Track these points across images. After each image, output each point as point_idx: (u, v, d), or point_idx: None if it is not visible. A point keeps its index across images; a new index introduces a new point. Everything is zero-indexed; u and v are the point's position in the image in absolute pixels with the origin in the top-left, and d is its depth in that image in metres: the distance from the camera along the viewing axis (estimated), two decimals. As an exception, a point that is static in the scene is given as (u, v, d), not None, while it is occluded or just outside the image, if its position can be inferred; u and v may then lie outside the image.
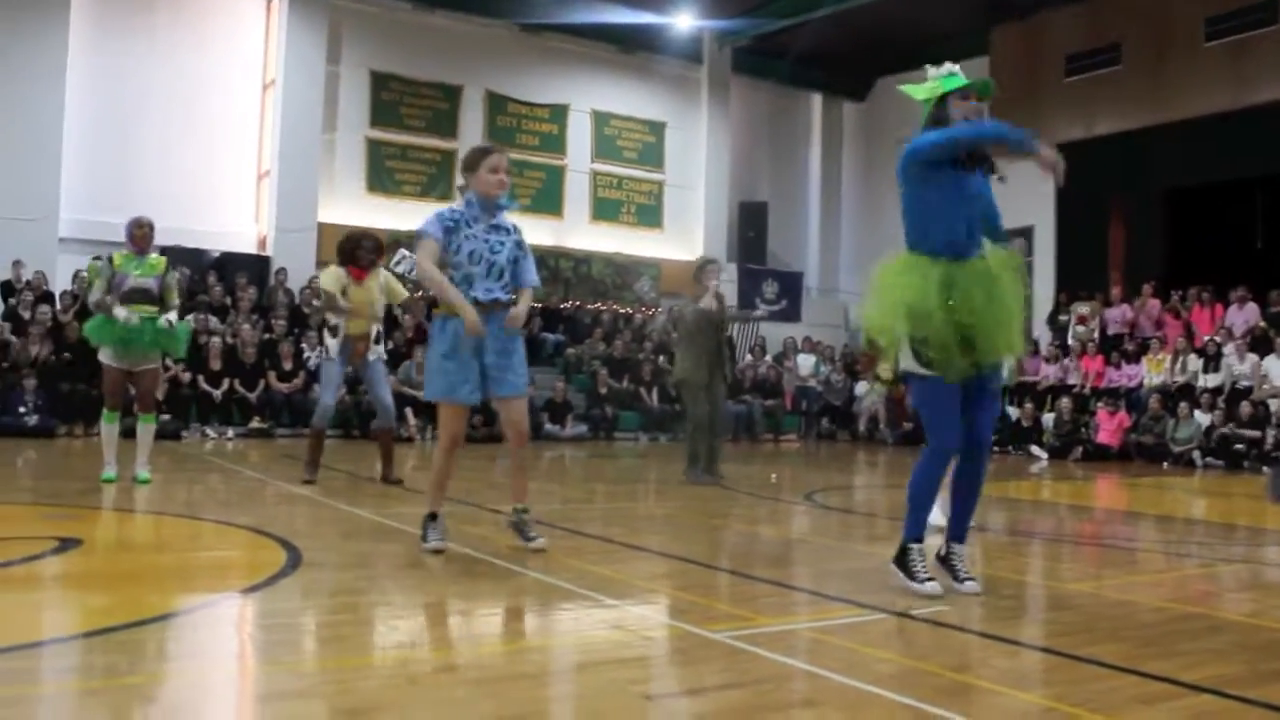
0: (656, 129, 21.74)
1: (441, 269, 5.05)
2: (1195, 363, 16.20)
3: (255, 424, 14.37)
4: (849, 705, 2.93)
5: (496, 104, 19.96)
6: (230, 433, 14.10)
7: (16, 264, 15.10)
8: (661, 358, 18.15)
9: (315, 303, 8.75)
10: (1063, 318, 18.89)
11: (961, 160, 4.39)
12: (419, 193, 19.07)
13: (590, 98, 20.95)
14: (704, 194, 21.96)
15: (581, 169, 20.85)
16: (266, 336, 15.49)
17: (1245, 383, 15.43)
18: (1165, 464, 14.89)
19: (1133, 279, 19.00)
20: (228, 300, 16.23)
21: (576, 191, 20.79)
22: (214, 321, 15.49)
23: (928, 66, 4.56)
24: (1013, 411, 16.83)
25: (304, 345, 15.28)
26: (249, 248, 17.88)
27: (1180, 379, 16.19)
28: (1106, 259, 19.90)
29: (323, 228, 17.78)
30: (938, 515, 5.10)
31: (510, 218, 5.31)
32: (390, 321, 8.41)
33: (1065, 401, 16.37)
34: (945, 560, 4.53)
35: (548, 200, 20.27)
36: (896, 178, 4.46)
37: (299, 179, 17.68)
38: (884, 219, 21.44)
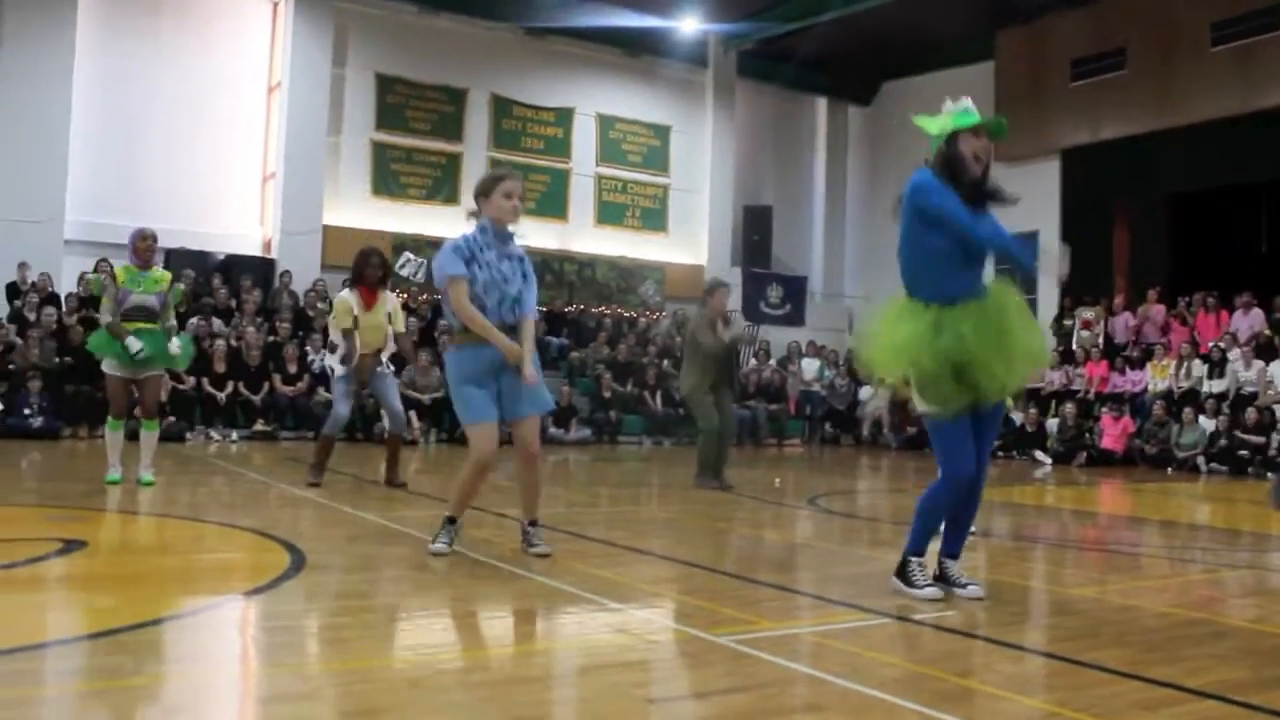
0: (661, 132, 21.75)
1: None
2: (1200, 368, 16.18)
3: (259, 426, 14.38)
4: (852, 710, 2.93)
5: (502, 107, 19.97)
6: (234, 435, 14.11)
7: (22, 266, 15.13)
8: (666, 362, 18.16)
9: (331, 318, 8.82)
10: (1067, 323, 18.87)
11: (968, 199, 4.38)
12: (424, 196, 19.09)
13: (595, 101, 20.96)
14: (709, 198, 21.96)
15: (586, 172, 20.86)
16: (271, 339, 15.50)
17: (1250, 388, 15.41)
18: (1169, 469, 14.86)
19: (1138, 284, 18.98)
20: (232, 303, 16.24)
21: (581, 195, 20.79)
22: (218, 324, 15.51)
23: (946, 100, 4.53)
24: (1017, 417, 16.81)
25: (308, 348, 15.29)
26: (254, 250, 17.89)
27: (1185, 384, 16.17)
28: (1111, 264, 19.87)
29: (328, 230, 17.82)
30: None
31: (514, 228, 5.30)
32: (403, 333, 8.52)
33: (1069, 407, 16.34)
34: (940, 576, 4.55)
35: (552, 204, 20.28)
36: (900, 207, 4.45)
37: (304, 182, 17.70)
38: (888, 223, 21.20)
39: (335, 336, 8.34)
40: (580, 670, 3.37)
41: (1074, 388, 17.36)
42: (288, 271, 17.09)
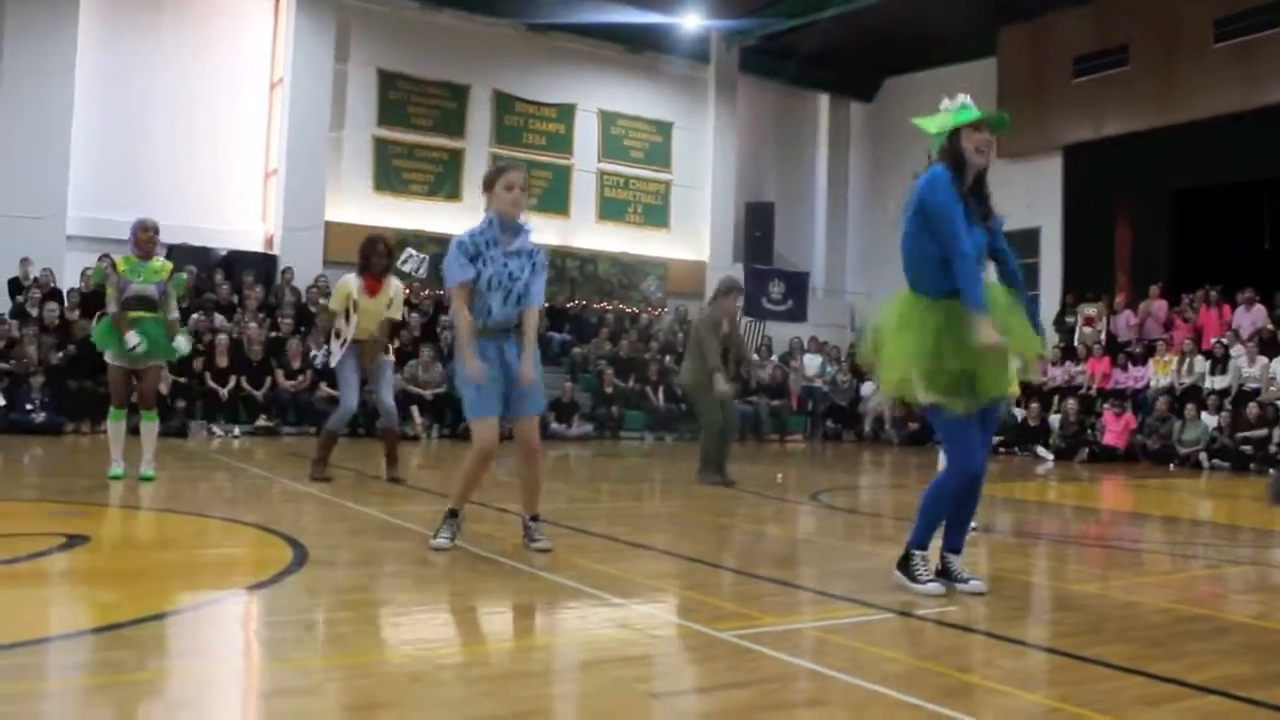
0: (663, 129, 21.74)
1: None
2: (1202, 364, 16.17)
3: (261, 422, 14.39)
4: (854, 705, 2.93)
5: (504, 103, 19.97)
6: (236, 430, 14.11)
7: (24, 262, 15.14)
8: (668, 357, 18.17)
9: (322, 301, 8.88)
10: (1069, 319, 18.85)
11: (966, 207, 4.37)
12: (426, 192, 19.10)
13: (597, 97, 20.95)
14: (710, 194, 21.95)
15: (588, 168, 20.85)
16: (273, 335, 15.51)
17: (1253, 384, 15.39)
18: (1172, 465, 14.87)
19: (1140, 281, 18.96)
20: (234, 299, 16.25)
21: (583, 191, 20.79)
22: (220, 320, 15.52)
23: (944, 99, 4.53)
24: (1019, 413, 16.81)
25: (310, 344, 15.30)
26: (256, 246, 17.89)
27: (1187, 380, 16.16)
28: (1113, 260, 19.85)
29: (330, 226, 17.82)
30: None
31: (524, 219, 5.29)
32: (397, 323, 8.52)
33: (1071, 403, 16.34)
34: (944, 573, 4.54)
35: (554, 200, 20.27)
36: (903, 209, 4.44)
37: (306, 178, 17.71)
38: (890, 220, 21.38)
39: (340, 324, 8.31)
40: (582, 665, 3.37)
41: (1076, 384, 17.35)
42: (289, 267, 17.11)
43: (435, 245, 16.67)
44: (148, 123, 16.96)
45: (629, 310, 20.41)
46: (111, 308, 7.72)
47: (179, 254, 15.82)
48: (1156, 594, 4.77)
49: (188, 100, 17.33)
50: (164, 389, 12.11)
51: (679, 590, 4.55)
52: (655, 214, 21.59)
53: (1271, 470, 12.28)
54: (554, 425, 16.27)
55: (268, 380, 14.72)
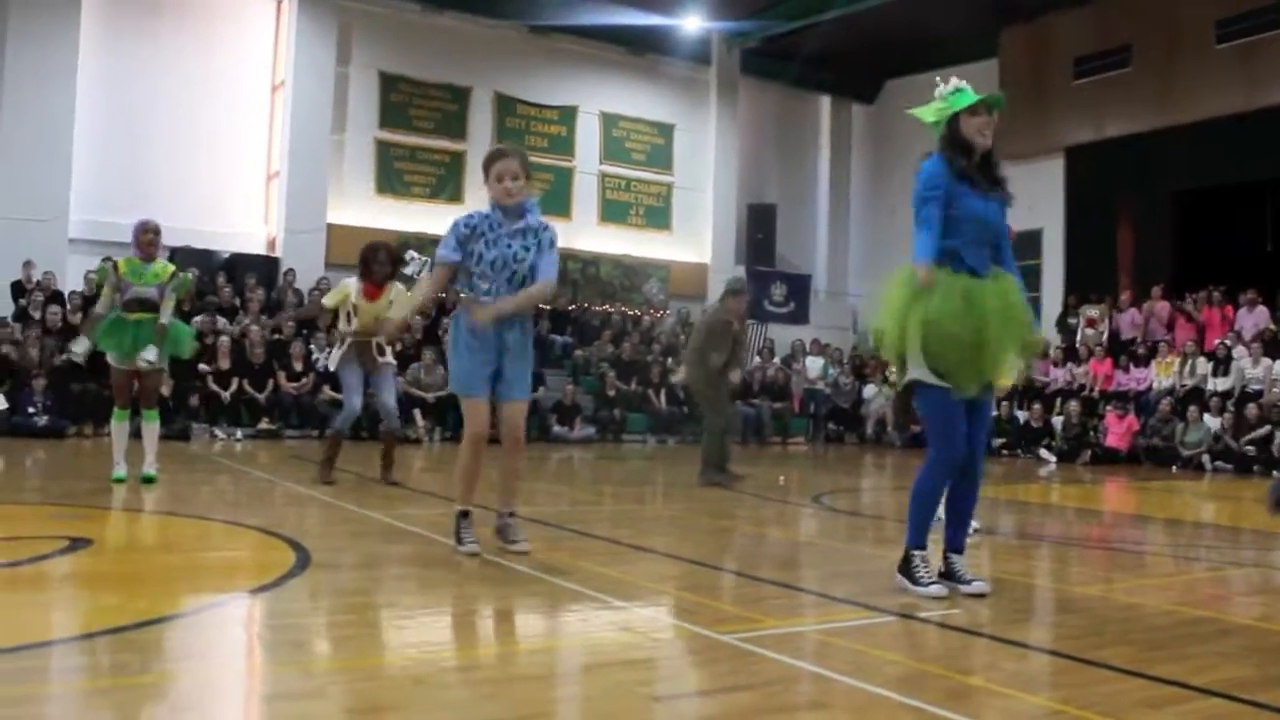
0: (665, 131, 21.75)
1: (463, 276, 5.12)
2: (1204, 366, 16.16)
3: (264, 425, 14.40)
4: (856, 707, 2.93)
5: (505, 105, 19.98)
6: (239, 434, 14.12)
7: (27, 264, 15.15)
8: (670, 360, 18.16)
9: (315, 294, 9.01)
10: (1071, 320, 18.84)
11: (974, 182, 4.38)
12: (428, 194, 19.11)
13: (599, 99, 20.96)
14: (712, 196, 21.96)
15: (590, 171, 20.87)
16: (275, 337, 15.52)
17: (1256, 386, 15.38)
18: (1174, 467, 14.85)
19: (1142, 282, 18.95)
20: (237, 301, 16.26)
21: (585, 193, 20.80)
22: (223, 322, 15.53)
23: (936, 80, 4.53)
24: (1021, 414, 16.81)
25: (313, 346, 15.31)
26: (258, 249, 17.91)
27: (1189, 382, 16.15)
28: (1116, 262, 19.84)
29: (332, 229, 17.84)
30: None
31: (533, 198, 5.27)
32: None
33: (1074, 405, 16.33)
34: (946, 573, 4.53)
35: (556, 202, 20.26)
36: (913, 198, 4.45)
37: (308, 180, 17.72)
38: (893, 221, 21.45)
39: (342, 325, 8.34)
40: (584, 668, 3.37)
41: (1078, 386, 17.34)
42: (292, 270, 17.11)
43: (436, 248, 16.66)
44: (150, 126, 16.98)
45: (631, 313, 20.41)
46: (100, 307, 7.75)
47: (181, 257, 15.82)
48: (1159, 596, 4.77)
49: (189, 103, 17.34)
50: (165, 391, 12.14)
51: (681, 593, 4.54)
52: (657, 216, 21.60)
53: (1276, 472, 12.28)
54: (556, 428, 16.28)
55: (270, 383, 14.73)
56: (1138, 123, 18.65)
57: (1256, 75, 17.12)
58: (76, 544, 5.12)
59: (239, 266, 17.09)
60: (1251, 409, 14.66)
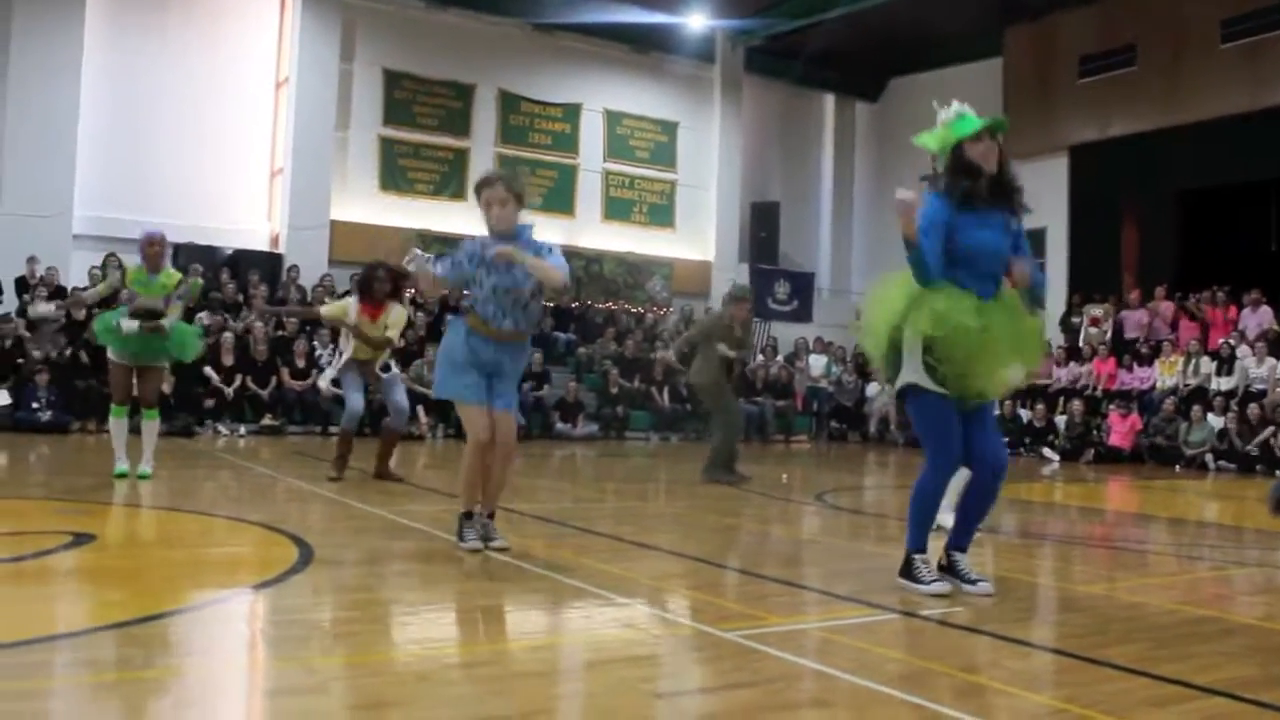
0: (669, 129, 21.74)
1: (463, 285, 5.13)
2: (1208, 365, 16.14)
3: (267, 421, 14.40)
4: (859, 705, 2.93)
5: (509, 103, 19.98)
6: (242, 430, 14.13)
7: (31, 260, 15.16)
8: (659, 345, 18.14)
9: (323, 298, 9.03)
10: (1075, 320, 18.82)
11: (979, 203, 4.36)
12: (431, 191, 19.11)
13: (603, 97, 20.96)
14: (716, 194, 21.96)
15: (594, 168, 20.86)
16: (279, 334, 15.53)
17: (1260, 385, 15.36)
18: (1177, 467, 14.84)
19: (1146, 281, 18.93)
20: (240, 298, 16.27)
21: (588, 191, 20.80)
22: (232, 321, 15.55)
23: (939, 109, 4.50)
24: (1024, 413, 16.80)
25: (316, 343, 15.31)
26: (262, 245, 17.92)
27: (1193, 381, 16.13)
28: (1120, 261, 19.82)
29: (335, 225, 17.85)
30: (946, 514, 5.11)
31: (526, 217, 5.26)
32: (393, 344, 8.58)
33: (1077, 404, 16.31)
34: (948, 569, 4.53)
35: (560, 199, 20.29)
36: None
37: (312, 177, 17.73)
38: (896, 220, 21.38)
39: (342, 343, 8.40)
40: (587, 665, 3.37)
41: (1081, 385, 17.32)
42: (295, 266, 17.12)
43: (441, 245, 16.65)
44: (154, 122, 16.99)
45: (634, 310, 20.41)
46: (90, 294, 7.84)
47: (185, 253, 15.87)
48: (1162, 595, 4.76)
49: (193, 99, 17.36)
50: (166, 388, 12.16)
51: (684, 590, 4.55)
52: (660, 214, 21.60)
53: (1279, 472, 12.27)
54: (559, 425, 16.30)
55: (273, 379, 14.74)
56: (1142, 122, 18.63)
57: (1261, 75, 17.09)
58: (80, 539, 5.12)
59: (242, 263, 17.10)
60: (1253, 409, 14.64)
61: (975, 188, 4.36)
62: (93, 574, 4.53)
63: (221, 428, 14.05)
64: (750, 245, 22.21)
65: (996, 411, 4.68)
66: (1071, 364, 17.76)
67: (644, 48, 21.11)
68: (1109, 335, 18.07)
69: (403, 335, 8.63)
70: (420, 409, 14.64)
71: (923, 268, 4.25)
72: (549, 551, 5.25)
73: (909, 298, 4.37)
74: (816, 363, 20.00)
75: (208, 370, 14.10)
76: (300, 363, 14.99)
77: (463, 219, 18.04)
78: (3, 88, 15.78)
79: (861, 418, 19.44)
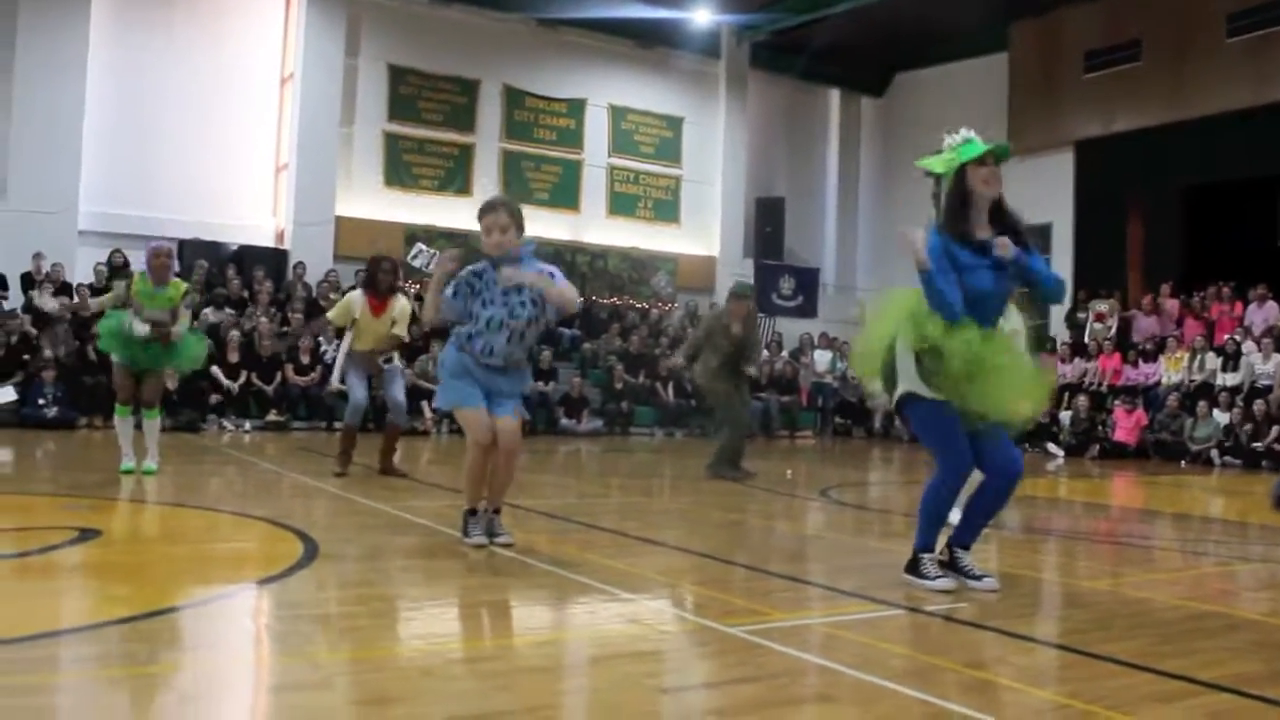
0: (674, 124, 21.73)
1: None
2: (1213, 361, 16.12)
3: (272, 417, 14.42)
4: (863, 700, 2.93)
5: (514, 98, 19.98)
6: (247, 425, 14.16)
7: (36, 256, 15.19)
8: (672, 350, 18.16)
9: (331, 299, 9.07)
10: (1080, 315, 18.80)
11: (976, 244, 4.34)
12: (436, 187, 19.12)
13: (608, 92, 20.95)
14: (721, 189, 21.94)
15: (599, 163, 20.86)
16: (284, 330, 15.55)
17: (1265, 381, 15.34)
18: (1183, 462, 14.82)
19: (1151, 277, 18.90)
20: (245, 294, 16.29)
21: (593, 186, 20.80)
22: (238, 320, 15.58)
23: (946, 137, 4.50)
24: (1029, 409, 16.75)
25: (320, 339, 15.33)
26: (267, 241, 17.94)
27: (1198, 377, 16.11)
28: (1125, 257, 19.79)
29: (340, 221, 17.86)
30: (954, 516, 5.10)
31: (529, 216, 5.26)
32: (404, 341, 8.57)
33: (1082, 399, 16.30)
34: (951, 565, 4.52)
35: (565, 194, 20.29)
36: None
37: (317, 173, 17.74)
38: (901, 215, 21.37)
39: (347, 337, 8.41)
40: (592, 660, 3.38)
41: (1087, 380, 17.30)
42: (301, 262, 17.14)
43: (445, 240, 16.67)
44: (159, 118, 17.01)
45: (639, 305, 20.41)
46: (95, 303, 7.84)
47: (190, 249, 15.91)
48: (1167, 591, 4.76)
49: (199, 95, 17.37)
50: (171, 385, 12.22)
51: (689, 586, 4.55)
52: (665, 209, 21.59)
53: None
54: (564, 420, 16.31)
55: (278, 375, 14.75)
56: (1148, 117, 18.59)
57: (1267, 70, 17.04)
58: (86, 534, 5.14)
59: (247, 259, 17.12)
60: (1260, 405, 14.61)
61: (968, 230, 4.33)
62: (98, 569, 4.54)
63: (226, 423, 14.08)
64: (755, 241, 22.21)
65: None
66: (1077, 359, 17.74)
67: (649, 43, 21.09)
68: (1114, 331, 18.05)
69: (409, 329, 8.62)
70: (425, 404, 14.65)
71: (946, 308, 4.24)
72: (553, 547, 5.26)
73: (906, 313, 4.37)
74: (821, 358, 20.00)
75: (214, 369, 14.13)
76: (304, 359, 15.01)
77: (467, 215, 17.89)
78: (8, 84, 15.80)
79: (866, 413, 19.41)
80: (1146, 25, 18.81)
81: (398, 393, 8.43)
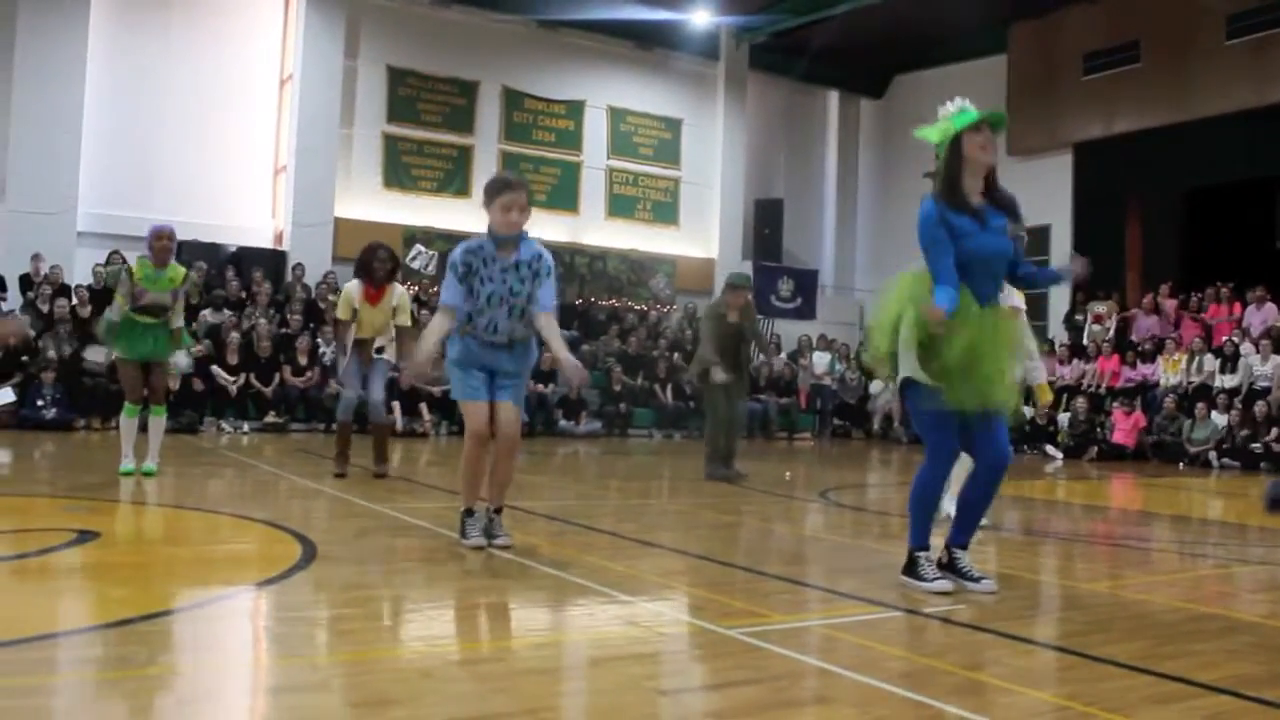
0: (673, 125, 21.74)
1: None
2: (1211, 363, 16.12)
3: (270, 418, 14.42)
4: (861, 702, 2.93)
5: (513, 100, 19.98)
6: (245, 427, 14.15)
7: (35, 257, 15.18)
8: (676, 355, 18.17)
9: (331, 299, 8.99)
10: (1079, 317, 18.80)
11: (972, 211, 4.36)
12: (435, 188, 19.12)
13: (607, 94, 20.95)
14: (720, 191, 21.95)
15: (598, 165, 20.86)
16: (282, 331, 15.54)
17: (1264, 383, 15.34)
18: (1181, 464, 14.82)
19: (1150, 278, 18.90)
20: (244, 295, 16.28)
21: (592, 188, 20.80)
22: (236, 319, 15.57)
23: (941, 105, 4.52)
24: (1028, 410, 16.77)
25: (319, 340, 15.33)
26: (266, 242, 17.94)
27: (1196, 379, 16.12)
28: (1124, 258, 19.80)
29: (339, 223, 17.86)
30: (948, 504, 5.12)
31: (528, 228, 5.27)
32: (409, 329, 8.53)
33: (1080, 401, 16.30)
34: (950, 566, 4.52)
35: (563, 196, 20.29)
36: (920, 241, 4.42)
37: (316, 174, 17.74)
38: (900, 216, 21.38)
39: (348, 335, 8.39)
40: (591, 662, 3.38)
41: (1085, 382, 17.31)
42: (300, 264, 17.14)
43: (444, 242, 16.71)
44: (158, 119, 17.02)
45: (638, 307, 20.41)
46: (115, 315, 7.78)
47: (188, 250, 15.89)
48: (1166, 593, 4.76)
49: (198, 97, 17.38)
50: (173, 384, 12.21)
51: (687, 587, 4.55)
52: (664, 211, 21.59)
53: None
54: (562, 422, 16.30)
55: (276, 377, 14.75)
56: (1147, 119, 18.60)
57: (1267, 71, 17.06)
58: (84, 536, 5.13)
59: (246, 260, 17.12)
60: (1259, 406, 14.62)
61: (961, 199, 4.34)
62: (97, 571, 4.54)
63: (225, 425, 14.07)
64: (754, 242, 22.22)
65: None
66: (1075, 361, 17.74)
67: (648, 44, 21.10)
68: (1112, 332, 18.06)
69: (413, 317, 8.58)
70: (423, 406, 14.65)
71: (941, 292, 4.25)
72: (552, 549, 5.26)
73: (910, 296, 4.37)
74: (820, 360, 20.00)
75: (215, 368, 14.13)
76: (303, 360, 15.00)
77: (466, 216, 18.07)
78: (8, 86, 15.80)
79: (865, 415, 19.43)
80: (1146, 27, 18.82)
81: (376, 389, 8.36)
